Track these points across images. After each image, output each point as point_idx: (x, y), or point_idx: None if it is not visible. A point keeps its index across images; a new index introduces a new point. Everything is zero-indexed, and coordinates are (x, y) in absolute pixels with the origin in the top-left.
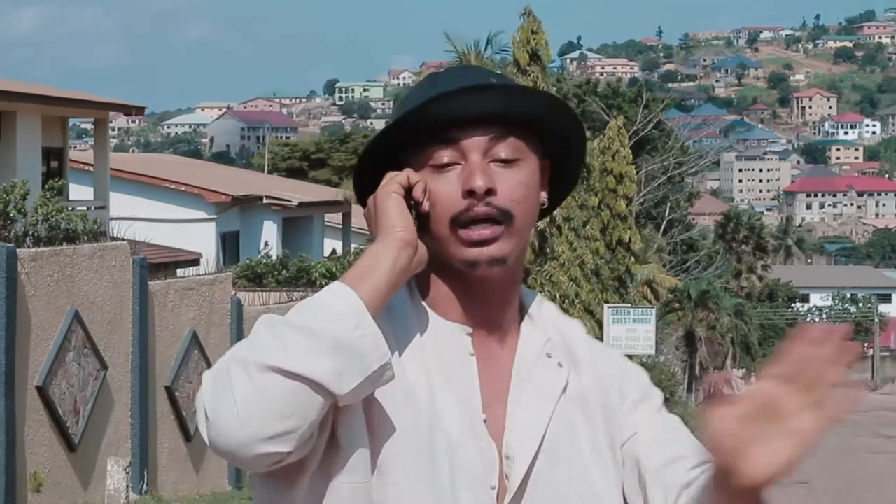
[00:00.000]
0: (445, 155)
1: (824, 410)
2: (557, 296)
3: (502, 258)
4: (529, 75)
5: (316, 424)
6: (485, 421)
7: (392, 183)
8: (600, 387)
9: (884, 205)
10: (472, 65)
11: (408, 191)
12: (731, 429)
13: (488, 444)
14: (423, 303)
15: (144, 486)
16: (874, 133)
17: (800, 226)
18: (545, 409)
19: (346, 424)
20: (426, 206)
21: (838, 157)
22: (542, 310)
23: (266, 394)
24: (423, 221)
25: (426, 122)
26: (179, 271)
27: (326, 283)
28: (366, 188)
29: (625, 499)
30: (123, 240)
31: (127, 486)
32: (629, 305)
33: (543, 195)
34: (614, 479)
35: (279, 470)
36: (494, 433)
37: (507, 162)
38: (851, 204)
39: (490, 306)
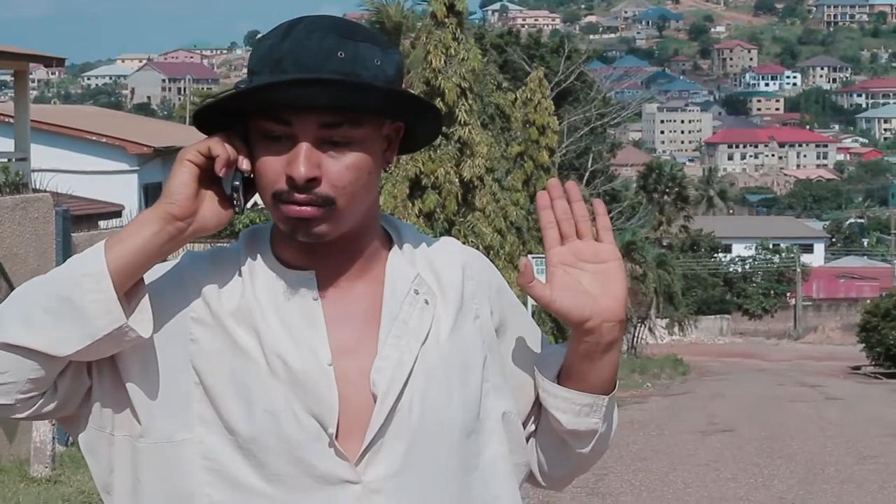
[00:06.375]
0: (278, 130)
1: (600, 238)
2: (481, 247)
3: (321, 235)
4: (447, 27)
5: (43, 380)
6: (330, 364)
7: (190, 150)
8: (485, 312)
9: (805, 156)
10: (326, 21)
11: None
12: (559, 282)
13: (328, 389)
14: (272, 253)
15: (70, 438)
16: (795, 84)
17: (722, 177)
18: (412, 349)
19: (113, 376)
20: (244, 165)
21: (759, 109)
22: (415, 241)
23: None
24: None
25: (257, 104)
26: (102, 223)
27: None
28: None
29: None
30: (46, 192)
31: (53, 439)
32: None
33: (390, 157)
34: (503, 409)
35: (63, 419)
36: (348, 375)
37: (338, 145)
38: (773, 155)
39: (332, 252)
